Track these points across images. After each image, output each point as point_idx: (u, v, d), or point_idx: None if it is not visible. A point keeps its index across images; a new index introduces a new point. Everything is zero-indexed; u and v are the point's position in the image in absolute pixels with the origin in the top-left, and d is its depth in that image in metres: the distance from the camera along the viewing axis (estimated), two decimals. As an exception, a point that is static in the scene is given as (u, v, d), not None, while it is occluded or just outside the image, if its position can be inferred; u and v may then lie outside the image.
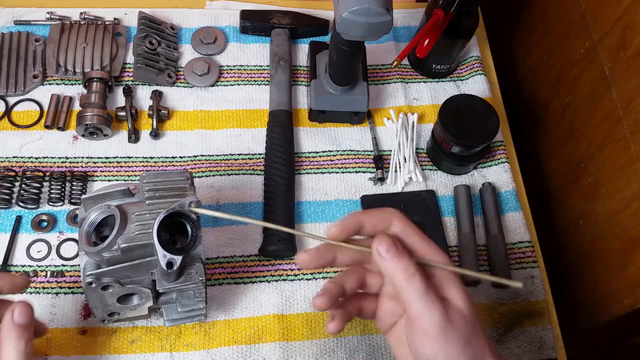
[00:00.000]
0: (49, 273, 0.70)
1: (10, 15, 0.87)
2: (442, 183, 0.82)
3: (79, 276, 0.67)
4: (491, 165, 0.83)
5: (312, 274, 0.73)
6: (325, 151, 0.82)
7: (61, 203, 0.74)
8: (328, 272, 0.74)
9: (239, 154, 0.81)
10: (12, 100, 0.81)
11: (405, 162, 0.82)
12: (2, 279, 0.49)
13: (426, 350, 0.43)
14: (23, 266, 0.70)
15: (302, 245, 0.75)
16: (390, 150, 0.83)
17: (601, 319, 0.78)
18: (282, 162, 0.77)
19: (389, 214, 0.46)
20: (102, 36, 0.84)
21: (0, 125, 0.79)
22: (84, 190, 0.75)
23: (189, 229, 0.54)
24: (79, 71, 0.82)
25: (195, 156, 0.80)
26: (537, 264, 0.76)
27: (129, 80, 0.84)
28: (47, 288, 0.69)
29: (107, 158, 0.78)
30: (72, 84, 0.83)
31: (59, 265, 0.71)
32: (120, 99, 0.82)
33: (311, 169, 0.81)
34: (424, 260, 0.46)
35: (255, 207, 0.77)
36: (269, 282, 0.72)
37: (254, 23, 0.89)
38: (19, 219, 0.72)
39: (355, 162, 0.82)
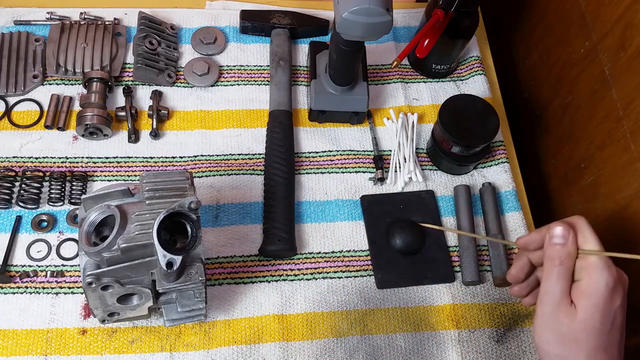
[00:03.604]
0: (49, 273, 0.70)
1: (10, 15, 0.87)
2: (442, 183, 0.82)
3: (79, 276, 0.67)
4: (491, 165, 0.83)
5: (312, 274, 0.73)
6: (325, 151, 0.82)
7: (61, 203, 0.74)
8: (328, 272, 0.74)
9: (239, 154, 0.81)
10: (12, 100, 0.81)
11: (405, 162, 0.82)
12: None
13: (533, 325, 0.52)
14: (23, 266, 0.70)
15: (302, 245, 0.75)
16: (390, 150, 0.83)
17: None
18: (282, 162, 0.77)
19: (574, 219, 0.52)
20: (102, 36, 0.84)
21: (0, 125, 0.79)
22: (84, 190, 0.75)
23: (189, 229, 0.54)
24: (79, 71, 0.82)
25: (195, 156, 0.80)
26: (537, 264, 0.76)
27: (129, 80, 0.84)
28: (47, 288, 0.69)
29: (107, 158, 0.78)
30: (72, 84, 0.83)
31: (59, 265, 0.71)
32: (120, 99, 0.82)
33: (311, 169, 0.81)
34: (583, 251, 0.51)
35: (255, 207, 0.77)
36: (269, 282, 0.72)
37: (254, 23, 0.89)
38: (19, 219, 0.72)
39: (355, 162, 0.82)
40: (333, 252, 0.75)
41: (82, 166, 0.77)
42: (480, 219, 0.79)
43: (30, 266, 0.70)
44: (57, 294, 0.69)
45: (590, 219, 0.79)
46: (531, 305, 0.59)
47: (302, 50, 0.91)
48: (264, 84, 0.87)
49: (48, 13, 0.87)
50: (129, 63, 0.86)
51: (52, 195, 0.73)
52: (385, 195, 0.80)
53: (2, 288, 0.69)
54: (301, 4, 0.94)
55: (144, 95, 0.83)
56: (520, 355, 0.71)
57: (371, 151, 0.83)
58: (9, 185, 0.73)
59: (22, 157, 0.77)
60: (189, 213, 0.53)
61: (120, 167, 0.78)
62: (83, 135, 0.78)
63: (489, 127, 0.77)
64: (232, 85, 0.86)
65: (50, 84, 0.83)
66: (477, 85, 0.89)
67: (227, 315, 0.70)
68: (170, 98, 0.84)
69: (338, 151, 0.82)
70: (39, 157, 0.77)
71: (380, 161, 0.81)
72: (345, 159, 0.82)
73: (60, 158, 0.77)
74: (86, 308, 0.68)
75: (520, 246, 0.56)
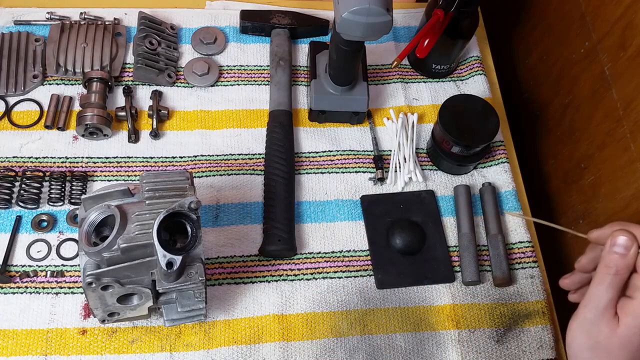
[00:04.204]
0: (49, 273, 0.70)
1: (10, 15, 0.87)
2: (442, 183, 0.82)
3: (79, 276, 0.67)
4: (491, 165, 0.83)
5: (312, 274, 0.73)
6: (325, 151, 0.82)
7: (61, 203, 0.74)
8: (328, 272, 0.74)
9: (239, 154, 0.81)
10: (12, 100, 0.81)
11: (405, 162, 0.82)
12: None
13: (570, 324, 0.51)
14: (23, 266, 0.70)
15: (302, 245, 0.75)
16: (390, 150, 0.83)
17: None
18: (282, 162, 0.77)
19: None
20: (102, 36, 0.84)
21: (0, 125, 0.79)
22: (84, 190, 0.75)
23: (189, 229, 0.54)
24: (79, 71, 0.82)
25: (195, 156, 0.80)
26: (537, 264, 0.76)
27: (129, 80, 0.84)
28: (47, 288, 0.69)
29: (107, 158, 0.78)
30: (72, 84, 0.83)
31: (59, 265, 0.71)
32: (120, 99, 0.82)
33: (311, 169, 0.81)
34: None
35: (255, 207, 0.77)
36: (269, 282, 0.72)
37: (254, 23, 0.89)
38: (19, 219, 0.72)
39: (355, 162, 0.82)
40: (333, 252, 0.75)
41: (82, 166, 0.77)
42: (480, 219, 0.79)
43: (30, 266, 0.70)
44: (57, 294, 0.69)
45: (590, 219, 0.80)
46: (575, 301, 0.58)
47: (302, 50, 0.91)
48: (264, 84, 0.87)
49: (48, 13, 0.87)
50: (129, 63, 0.86)
51: (52, 195, 0.73)
52: (385, 195, 0.80)
53: (2, 288, 0.69)
54: (301, 4, 0.94)
55: (144, 95, 0.83)
56: (520, 355, 0.71)
57: (371, 151, 0.83)
58: (9, 185, 0.73)
59: (22, 157, 0.77)
60: (189, 213, 0.53)
61: (120, 167, 0.78)
62: (83, 135, 0.78)
63: (489, 127, 0.77)
64: (232, 85, 0.86)
65: (50, 84, 0.83)
66: (477, 85, 0.89)
67: (227, 315, 0.70)
68: (170, 98, 0.84)
69: (338, 151, 0.82)
70: (39, 157, 0.77)
71: (380, 161, 0.81)
72: (345, 159, 0.82)
73: (60, 158, 0.77)
74: (86, 308, 0.68)
75: (592, 239, 0.55)
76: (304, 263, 0.74)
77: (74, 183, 0.75)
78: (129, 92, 0.82)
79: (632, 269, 0.49)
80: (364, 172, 0.81)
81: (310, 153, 0.82)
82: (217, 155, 0.80)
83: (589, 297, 0.50)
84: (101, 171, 0.77)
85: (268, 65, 0.88)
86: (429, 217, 0.78)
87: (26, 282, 0.69)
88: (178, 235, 0.57)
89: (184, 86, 0.85)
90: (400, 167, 0.81)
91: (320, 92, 0.81)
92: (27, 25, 0.86)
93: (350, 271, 0.74)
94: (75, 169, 0.77)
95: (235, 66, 0.88)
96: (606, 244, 0.50)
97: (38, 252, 0.71)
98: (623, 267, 0.49)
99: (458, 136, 0.75)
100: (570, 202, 0.85)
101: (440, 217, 0.79)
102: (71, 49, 0.82)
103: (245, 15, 0.89)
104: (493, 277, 0.75)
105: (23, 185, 0.73)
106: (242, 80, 0.87)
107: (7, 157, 0.77)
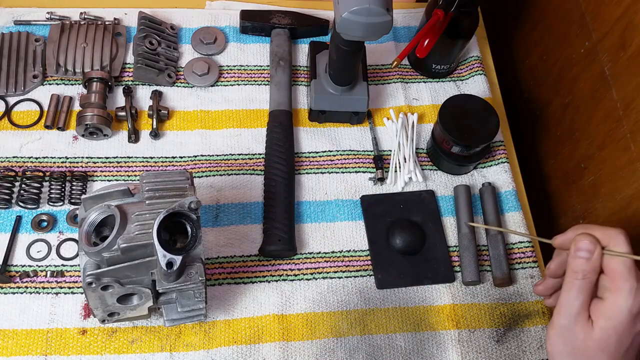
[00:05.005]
0: (49, 273, 0.70)
1: (10, 15, 0.87)
2: (442, 183, 0.82)
3: (79, 276, 0.67)
4: (491, 165, 0.83)
5: (312, 274, 0.73)
6: (325, 151, 0.82)
7: (61, 203, 0.74)
8: (328, 272, 0.74)
9: (239, 154, 0.81)
10: (12, 100, 0.81)
11: (405, 162, 0.82)
12: None
13: (548, 333, 0.52)
14: (23, 266, 0.70)
15: (302, 245, 0.75)
16: (390, 150, 0.83)
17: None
18: (282, 162, 0.77)
19: (613, 232, 0.50)
20: (102, 36, 0.84)
21: (0, 125, 0.79)
22: (84, 190, 0.75)
23: (189, 229, 0.54)
24: (79, 71, 0.82)
25: (195, 156, 0.80)
26: (537, 264, 0.76)
27: (129, 80, 0.84)
28: (47, 288, 0.69)
29: (107, 158, 0.78)
30: (72, 84, 0.83)
31: (59, 265, 0.71)
32: (120, 99, 0.82)
33: (311, 169, 0.81)
34: (609, 252, 0.50)
35: (255, 207, 0.77)
36: (269, 282, 0.72)
37: (254, 23, 0.89)
38: (19, 219, 0.72)
39: (355, 162, 0.82)
40: (333, 252, 0.75)
41: (82, 166, 0.77)
42: (480, 219, 0.79)
43: (30, 266, 0.70)
44: (57, 294, 0.69)
45: (590, 219, 0.80)
46: (551, 306, 0.59)
47: (302, 50, 0.91)
48: (264, 84, 0.87)
49: (48, 13, 0.87)
50: (129, 63, 0.86)
51: (52, 195, 0.73)
52: (385, 195, 0.80)
53: (2, 288, 0.69)
54: (301, 4, 0.94)
55: (144, 95, 0.83)
56: (520, 355, 0.71)
57: (371, 151, 0.83)
58: (9, 185, 0.73)
59: (22, 157, 0.77)
60: (189, 213, 0.53)
61: (120, 167, 0.78)
62: (83, 135, 0.78)
63: (489, 127, 0.77)
64: (232, 85, 0.86)
65: (50, 84, 0.83)
66: (477, 85, 0.89)
67: (227, 315, 0.70)
68: (170, 98, 0.84)
69: (338, 151, 0.82)
70: (39, 157, 0.77)
71: (380, 161, 0.81)
72: (345, 159, 0.82)
73: (60, 158, 0.77)
74: (86, 308, 0.68)
75: (556, 245, 0.55)
76: (304, 263, 0.74)
77: (74, 183, 0.75)
78: (129, 92, 0.82)
79: (599, 271, 0.50)
80: (364, 172, 0.81)
81: (310, 153, 0.82)
82: (217, 155, 0.80)
83: (560, 304, 0.51)
84: (101, 171, 0.77)
85: (268, 65, 0.88)
86: (429, 217, 0.78)
87: (26, 282, 0.69)
88: (178, 235, 0.57)
89: (184, 86, 0.85)
90: (400, 167, 0.81)
91: (320, 92, 0.81)
92: (27, 25, 0.86)
93: (350, 271, 0.74)
94: (75, 169, 0.77)
95: (235, 66, 0.88)
96: (570, 250, 0.51)
97: (38, 252, 0.71)
98: (589, 271, 0.49)
99: (458, 136, 0.75)
100: (570, 202, 0.85)
101: (440, 217, 0.79)
102: (71, 49, 0.82)
103: (245, 15, 0.89)
104: (493, 277, 0.75)
105: (23, 185, 0.73)
106: (242, 80, 0.87)
107: (7, 157, 0.77)
